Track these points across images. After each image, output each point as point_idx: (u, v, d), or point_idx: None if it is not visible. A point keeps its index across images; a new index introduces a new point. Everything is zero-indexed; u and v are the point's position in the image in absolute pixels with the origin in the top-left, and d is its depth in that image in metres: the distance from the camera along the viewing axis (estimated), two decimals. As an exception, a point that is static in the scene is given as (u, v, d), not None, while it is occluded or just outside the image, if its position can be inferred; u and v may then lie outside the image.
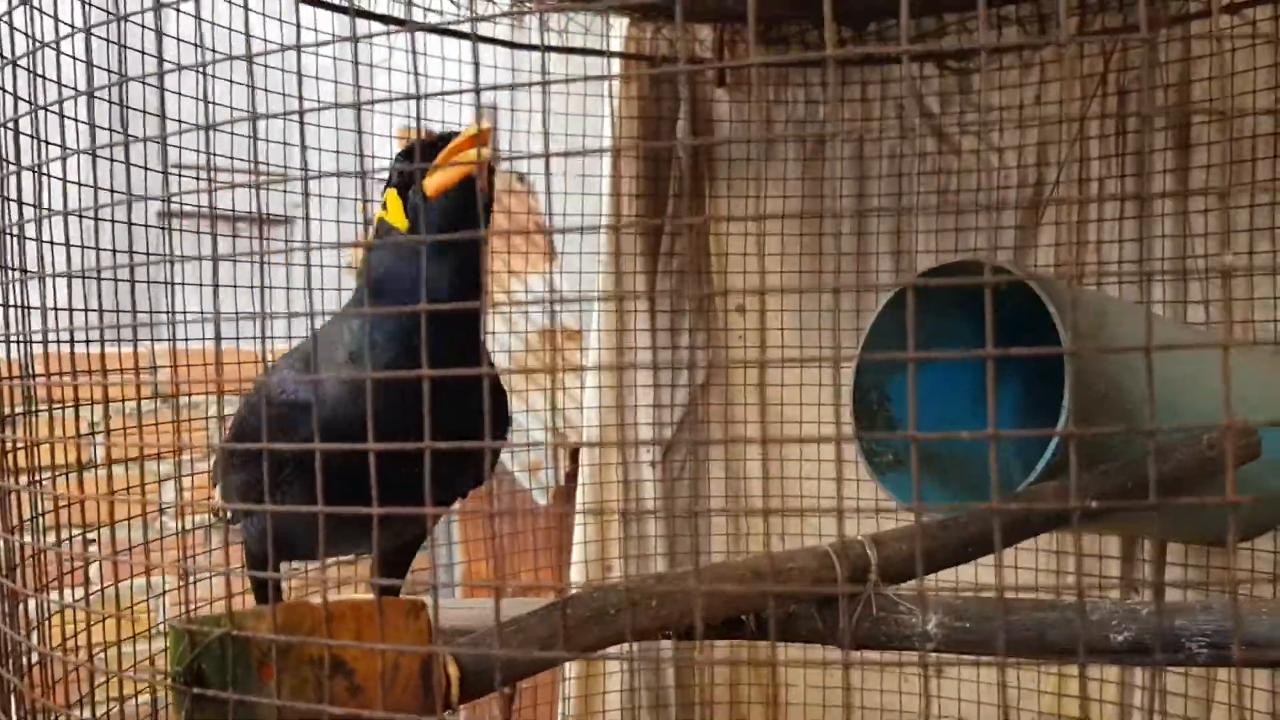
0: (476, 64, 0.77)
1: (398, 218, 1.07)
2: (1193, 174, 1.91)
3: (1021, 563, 1.98)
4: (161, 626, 1.84)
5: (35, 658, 0.98)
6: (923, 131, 2.17)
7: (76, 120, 1.11)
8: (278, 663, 0.69)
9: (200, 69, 0.79)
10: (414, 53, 0.77)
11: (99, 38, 1.04)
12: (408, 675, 0.74)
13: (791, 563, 1.19)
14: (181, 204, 1.51)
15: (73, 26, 1.11)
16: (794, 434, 2.12)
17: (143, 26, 1.23)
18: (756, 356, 2.19)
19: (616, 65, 2.21)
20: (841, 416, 1.77)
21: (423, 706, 0.74)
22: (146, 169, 1.40)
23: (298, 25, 0.80)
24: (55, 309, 1.16)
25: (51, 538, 1.17)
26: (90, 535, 1.28)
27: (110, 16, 0.96)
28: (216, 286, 0.82)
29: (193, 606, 0.91)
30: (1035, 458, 1.37)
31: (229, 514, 1.26)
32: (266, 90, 1.61)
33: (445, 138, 1.05)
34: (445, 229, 1.03)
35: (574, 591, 1.05)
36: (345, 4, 1.75)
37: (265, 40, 1.65)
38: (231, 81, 1.46)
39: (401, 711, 0.73)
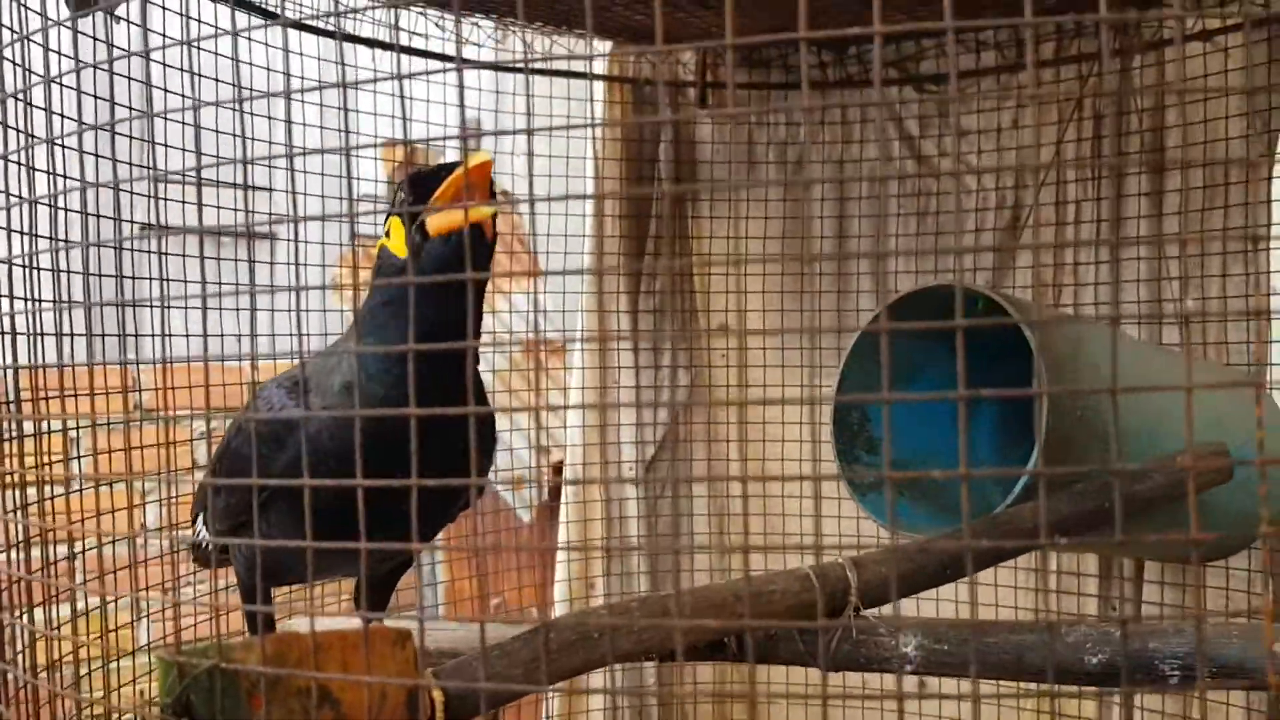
0: (462, 102, 0.79)
1: (399, 246, 1.07)
2: (1167, 197, 1.94)
3: (1002, 581, 2.00)
4: (147, 643, 1.84)
5: (20, 682, 0.99)
6: (902, 154, 2.19)
7: (64, 148, 1.12)
8: (266, 694, 0.70)
9: (192, 103, 0.81)
10: (402, 95, 0.78)
11: (89, 65, 1.05)
12: (394, 704, 0.76)
13: (773, 586, 1.21)
14: (163, 224, 1.52)
15: (56, 55, 1.12)
16: (774, 460, 2.13)
17: (129, 54, 1.24)
18: (738, 378, 2.21)
19: (600, 88, 2.23)
20: (819, 454, 1.80)
21: (410, 733, 0.76)
22: (133, 193, 1.41)
23: (285, 50, 0.81)
24: (42, 334, 1.17)
25: (36, 551, 1.18)
26: (76, 549, 1.29)
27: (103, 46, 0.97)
28: (205, 310, 0.83)
29: (181, 627, 0.92)
30: (1013, 477, 1.39)
31: (209, 547, 1.26)
32: (253, 113, 1.62)
33: (448, 167, 1.05)
34: (444, 269, 1.03)
35: (559, 615, 1.06)
36: (333, 29, 1.77)
37: (252, 64, 1.67)
38: (219, 104, 1.47)
39: (388, 740, 0.74)
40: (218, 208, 1.75)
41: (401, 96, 0.77)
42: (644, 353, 2.24)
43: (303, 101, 1.77)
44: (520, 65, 2.08)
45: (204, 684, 0.70)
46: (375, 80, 0.64)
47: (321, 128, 1.79)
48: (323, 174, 1.76)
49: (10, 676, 1.05)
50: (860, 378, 1.61)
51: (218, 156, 0.81)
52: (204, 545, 1.27)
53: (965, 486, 0.60)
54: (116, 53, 0.98)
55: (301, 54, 1.82)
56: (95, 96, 1.29)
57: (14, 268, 1.13)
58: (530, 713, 2.29)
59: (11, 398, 1.15)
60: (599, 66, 2.22)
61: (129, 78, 1.37)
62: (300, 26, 1.76)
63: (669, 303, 2.25)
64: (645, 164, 2.25)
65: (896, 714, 2.01)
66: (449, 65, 1.97)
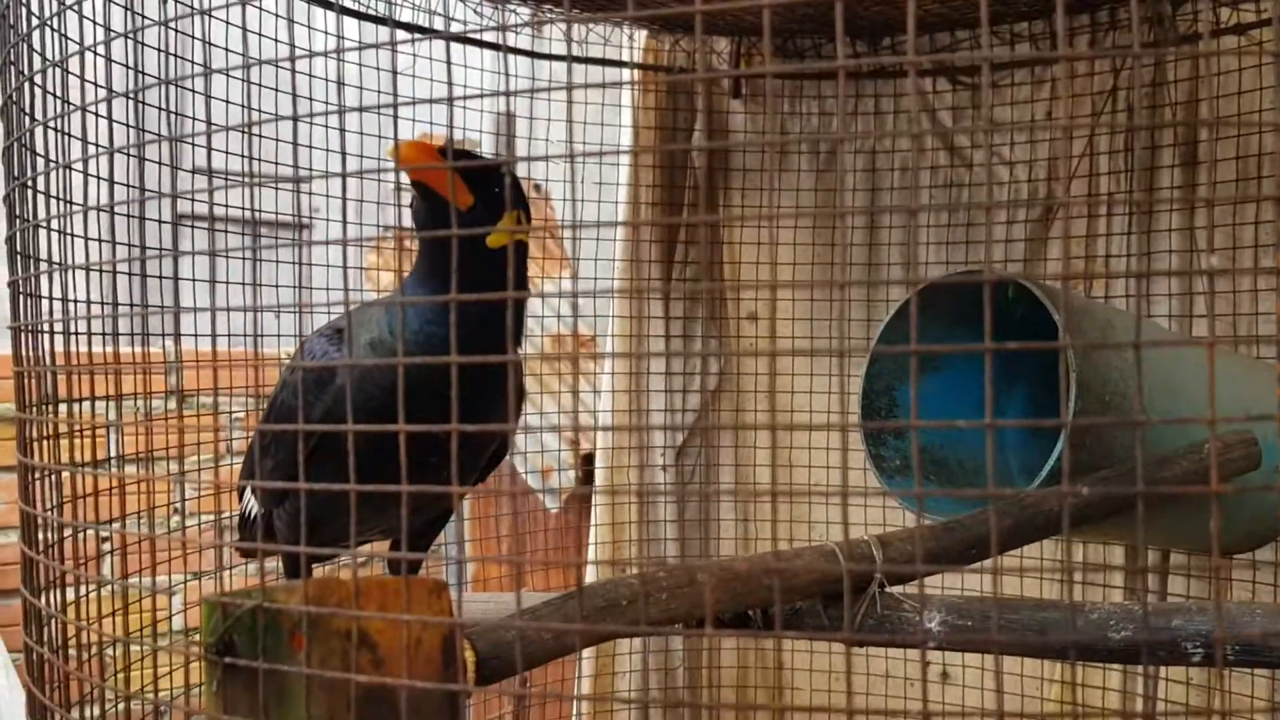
0: (506, 72, 0.81)
1: None
2: (1199, 191, 1.94)
3: (1027, 577, 1.99)
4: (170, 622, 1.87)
5: (70, 631, 1.02)
6: (934, 145, 2.20)
7: (112, 122, 1.15)
8: (307, 634, 0.72)
9: (244, 77, 0.83)
10: (449, 62, 0.81)
11: (136, 40, 1.07)
12: (429, 651, 0.78)
13: (798, 560, 1.23)
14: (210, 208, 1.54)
15: (89, 26, 1.15)
16: (802, 447, 2.15)
17: (157, 23, 1.26)
18: (767, 364, 2.23)
19: (634, 77, 2.25)
20: (849, 406, 1.82)
21: (443, 681, 0.78)
22: (194, 171, 1.44)
23: (340, 35, 0.83)
24: (103, 303, 1.20)
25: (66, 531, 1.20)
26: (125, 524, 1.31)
27: (147, 20, 1.00)
28: (258, 286, 0.85)
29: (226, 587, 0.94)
30: (1040, 471, 1.40)
31: (255, 518, 1.29)
32: (289, 95, 1.64)
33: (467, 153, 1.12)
34: (418, 216, 1.11)
35: (589, 583, 1.08)
36: (371, 14, 1.79)
37: (265, 36, 1.70)
38: (263, 84, 1.50)
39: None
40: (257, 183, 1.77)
41: (450, 83, 0.79)
42: (675, 339, 2.26)
43: (346, 84, 1.80)
44: (557, 46, 2.11)
45: (247, 624, 0.73)
46: (416, 37, 0.66)
47: (360, 113, 1.82)
48: (361, 155, 1.80)
49: (60, 625, 1.08)
50: (889, 365, 1.63)
51: (271, 127, 0.83)
52: (250, 516, 1.29)
53: (990, 436, 0.61)
54: (170, 19, 1.01)
55: (336, 36, 1.85)
56: (135, 69, 1.31)
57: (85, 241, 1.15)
58: (555, 711, 2.32)
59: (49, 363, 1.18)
60: (633, 57, 2.24)
61: (161, 52, 1.39)
62: (351, 13, 1.79)
63: (701, 291, 2.27)
64: (679, 156, 2.26)
65: (919, 687, 2.01)
66: (493, 46, 2.00)
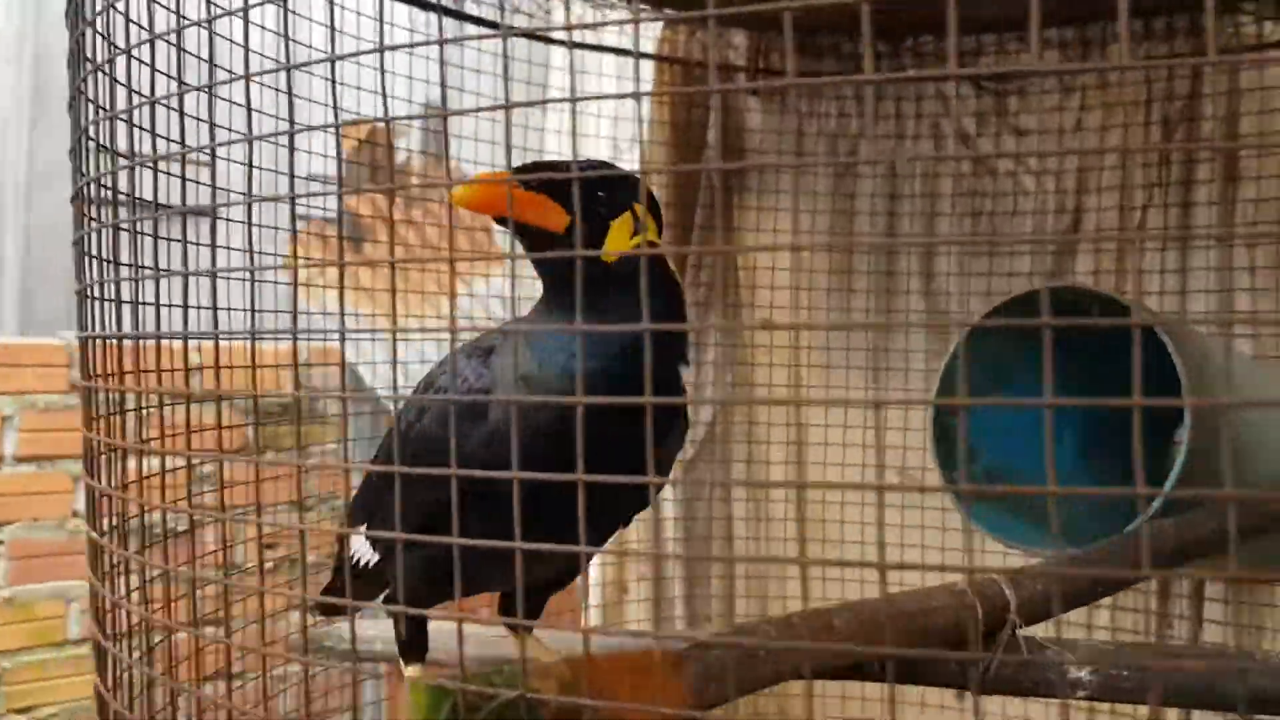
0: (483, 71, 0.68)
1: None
2: (1240, 207, 1.89)
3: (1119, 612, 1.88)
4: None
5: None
6: (957, 154, 2.12)
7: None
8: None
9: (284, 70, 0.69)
10: (440, 40, 0.69)
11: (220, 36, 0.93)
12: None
13: (932, 601, 1.12)
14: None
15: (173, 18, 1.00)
16: (828, 476, 2.04)
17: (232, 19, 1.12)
18: (784, 381, 2.12)
19: (649, 67, 2.12)
20: (882, 459, 1.73)
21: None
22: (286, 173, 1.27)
23: (380, 22, 0.72)
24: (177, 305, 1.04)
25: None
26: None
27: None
28: (254, 281, 0.71)
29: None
30: (1116, 517, 1.34)
31: (367, 566, 1.10)
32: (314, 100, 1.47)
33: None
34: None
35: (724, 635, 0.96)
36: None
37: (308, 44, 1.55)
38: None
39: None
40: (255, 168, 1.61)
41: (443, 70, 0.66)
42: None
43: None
44: (546, 37, 1.98)
45: (496, 716, 0.59)
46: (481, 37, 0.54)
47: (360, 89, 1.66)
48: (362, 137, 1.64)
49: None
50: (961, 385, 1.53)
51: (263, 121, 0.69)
52: (362, 563, 1.09)
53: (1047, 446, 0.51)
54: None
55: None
56: (206, 62, 1.16)
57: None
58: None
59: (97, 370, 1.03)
60: (649, 47, 2.11)
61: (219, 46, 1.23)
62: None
63: (716, 296, 2.16)
64: (693, 150, 2.14)
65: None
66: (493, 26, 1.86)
